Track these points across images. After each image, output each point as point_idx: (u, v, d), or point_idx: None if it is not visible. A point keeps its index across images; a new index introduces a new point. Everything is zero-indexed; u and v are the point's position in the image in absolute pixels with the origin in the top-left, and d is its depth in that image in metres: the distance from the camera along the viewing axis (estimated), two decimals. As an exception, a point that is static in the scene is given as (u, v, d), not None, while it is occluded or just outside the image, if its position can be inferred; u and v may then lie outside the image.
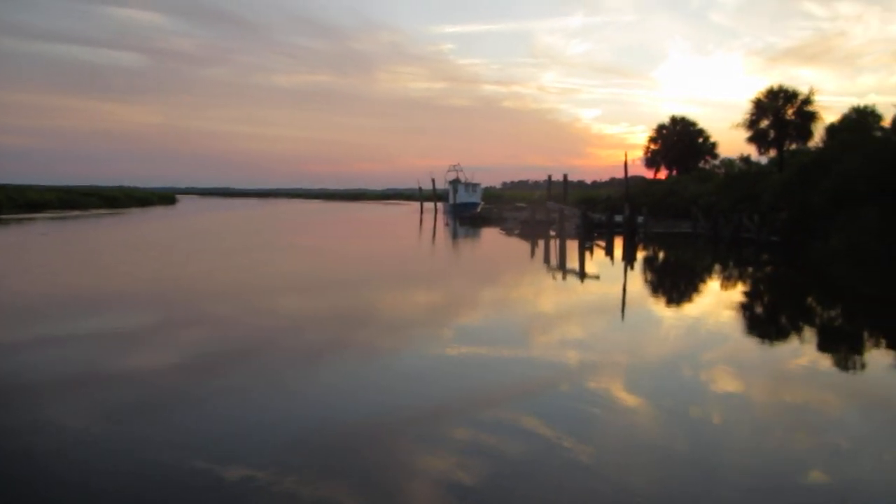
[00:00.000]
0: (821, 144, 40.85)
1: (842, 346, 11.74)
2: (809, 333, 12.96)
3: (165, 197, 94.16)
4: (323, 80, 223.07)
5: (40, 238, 32.54)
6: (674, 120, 63.47)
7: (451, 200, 66.24)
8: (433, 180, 74.86)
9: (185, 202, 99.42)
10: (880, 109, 44.16)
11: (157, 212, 66.54)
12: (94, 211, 60.72)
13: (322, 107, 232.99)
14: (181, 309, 14.08)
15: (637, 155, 69.61)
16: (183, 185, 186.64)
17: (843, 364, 10.29)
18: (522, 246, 32.57)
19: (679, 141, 62.00)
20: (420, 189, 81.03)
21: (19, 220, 44.45)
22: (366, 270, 21.92)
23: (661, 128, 63.89)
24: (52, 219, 47.84)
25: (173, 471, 5.72)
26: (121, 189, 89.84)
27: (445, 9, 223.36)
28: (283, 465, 5.82)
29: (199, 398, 7.85)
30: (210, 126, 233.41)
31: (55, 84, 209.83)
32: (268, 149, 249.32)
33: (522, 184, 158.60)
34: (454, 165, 71.98)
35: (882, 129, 41.42)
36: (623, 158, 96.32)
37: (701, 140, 62.28)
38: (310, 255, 26.47)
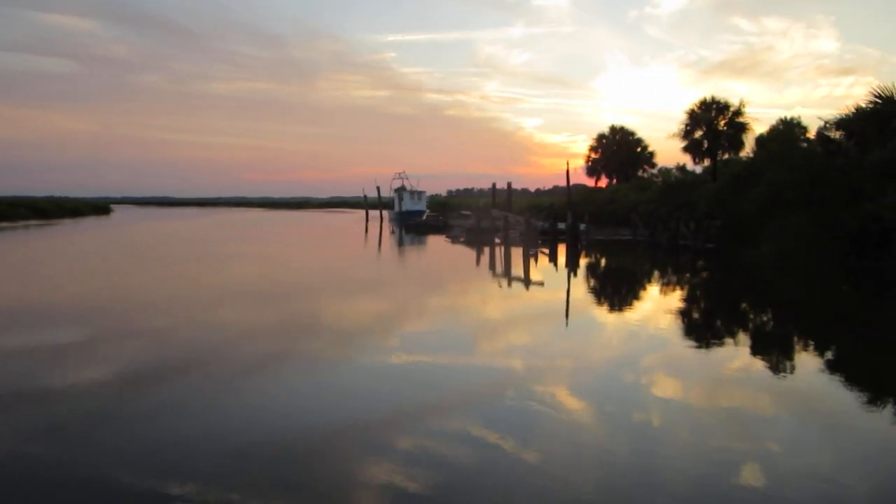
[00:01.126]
0: (751, 154, 42.65)
1: (772, 349, 12.27)
2: (742, 338, 13.49)
3: (99, 207, 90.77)
4: (263, 87, 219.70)
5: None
6: (613, 129, 65.22)
7: (396, 208, 66.18)
8: (378, 188, 74.58)
9: (120, 212, 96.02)
10: (805, 121, 46.52)
11: (90, 222, 64.00)
12: (23, 222, 57.97)
13: (263, 115, 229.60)
14: (114, 322, 13.58)
15: (579, 164, 71.15)
16: (118, 194, 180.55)
17: (774, 367, 10.75)
18: (468, 253, 32.80)
19: (619, 150, 63.72)
20: (365, 197, 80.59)
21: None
22: (309, 280, 21.65)
23: (601, 137, 65.56)
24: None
25: (116, 488, 5.51)
26: (51, 199, 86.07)
27: (387, 18, 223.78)
28: (227, 480, 5.68)
29: (136, 413, 7.59)
30: (146, 134, 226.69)
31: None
32: (207, 157, 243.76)
33: (468, 192, 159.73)
34: (399, 173, 72.08)
35: (807, 140, 43.60)
36: (565, 167, 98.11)
37: (639, 149, 64.15)
38: (251, 265, 25.95)
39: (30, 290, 17.98)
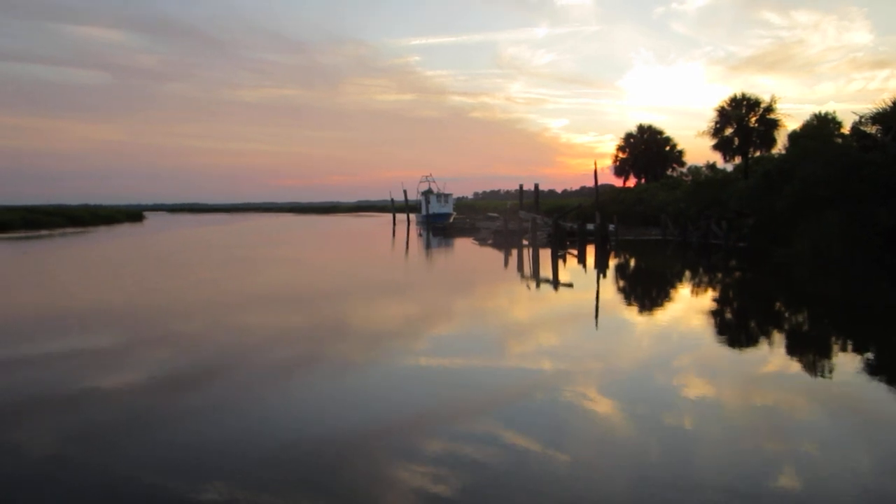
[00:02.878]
0: (784, 151, 41.83)
1: (809, 350, 12.01)
2: (778, 338, 13.23)
3: (132, 214, 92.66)
4: (289, 93, 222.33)
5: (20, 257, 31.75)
6: (641, 128, 64.60)
7: (423, 211, 66.35)
8: (405, 192, 74.98)
9: (152, 219, 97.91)
10: (840, 116, 45.41)
11: (124, 229, 65.39)
12: (60, 230, 59.57)
13: (290, 121, 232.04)
14: (149, 326, 13.83)
15: (606, 163, 70.63)
16: (150, 201, 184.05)
17: (812, 368, 10.52)
18: (496, 255, 32.72)
19: (647, 149, 63.09)
20: (392, 201, 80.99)
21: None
22: (337, 283, 21.81)
23: (628, 136, 64.99)
24: (16, 239, 46.72)
25: (146, 491, 5.62)
26: (86, 207, 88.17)
27: (410, 21, 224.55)
28: (260, 482, 5.75)
29: (167, 416, 7.73)
30: (176, 142, 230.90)
31: (16, 103, 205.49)
32: (236, 163, 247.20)
33: (494, 193, 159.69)
34: (426, 176, 72.34)
35: (842, 135, 42.60)
36: (592, 167, 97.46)
37: (668, 148, 63.43)
38: (282, 269, 26.24)
39: (70, 295, 18.43)
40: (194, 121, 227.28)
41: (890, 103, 27.37)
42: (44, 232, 55.81)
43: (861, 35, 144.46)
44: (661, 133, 63.82)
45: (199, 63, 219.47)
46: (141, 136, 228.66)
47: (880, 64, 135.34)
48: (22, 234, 52.42)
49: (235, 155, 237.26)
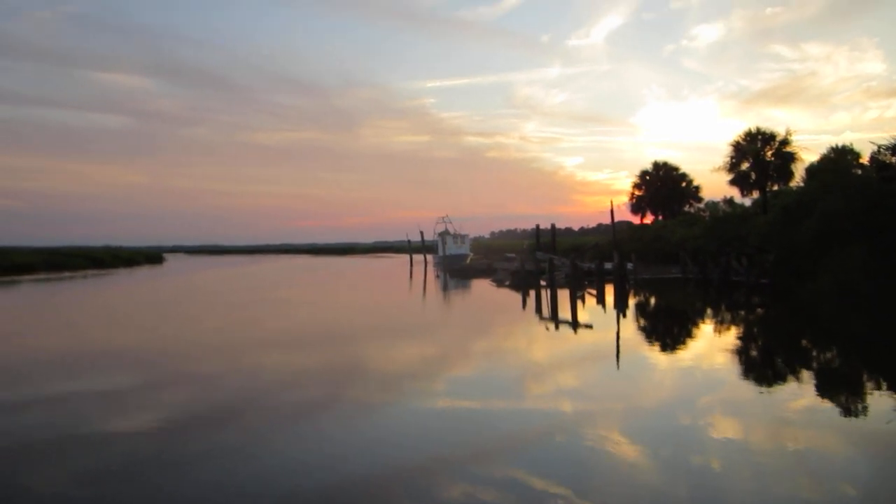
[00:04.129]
0: (802, 184, 41.58)
1: (838, 389, 11.69)
2: (805, 376, 12.90)
3: (152, 256, 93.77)
4: (306, 136, 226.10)
5: (49, 298, 32.13)
6: (656, 165, 64.61)
7: (440, 252, 66.43)
8: (421, 232, 75.49)
9: (172, 261, 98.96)
10: (857, 146, 45.22)
11: (144, 272, 66.13)
12: (83, 272, 60.58)
13: (307, 163, 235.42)
14: (167, 367, 13.83)
15: (622, 200, 70.57)
16: (170, 243, 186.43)
17: (842, 408, 10.22)
18: (513, 297, 32.54)
19: (663, 186, 62.97)
20: (409, 241, 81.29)
21: (3, 283, 43.97)
22: (360, 324, 21.75)
23: (644, 174, 64.97)
24: (37, 280, 47.41)
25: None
26: (107, 249, 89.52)
27: (425, 64, 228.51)
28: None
29: (185, 456, 7.65)
30: (195, 184, 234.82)
31: (42, 146, 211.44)
32: (255, 205, 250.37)
33: (511, 233, 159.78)
34: (443, 217, 72.58)
35: (861, 166, 42.32)
36: (609, 205, 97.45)
37: (684, 184, 63.28)
38: (301, 310, 26.27)
39: (91, 335, 18.54)
40: (213, 164, 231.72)
41: (909, 134, 27.14)
42: (66, 273, 56.72)
43: (874, 65, 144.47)
44: (676, 169, 63.80)
45: (218, 107, 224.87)
46: (162, 179, 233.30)
47: (895, 92, 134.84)
48: (43, 275, 53.25)
49: (254, 197, 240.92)
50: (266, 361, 14.62)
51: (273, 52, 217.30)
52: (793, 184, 41.50)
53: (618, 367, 13.94)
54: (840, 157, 45.75)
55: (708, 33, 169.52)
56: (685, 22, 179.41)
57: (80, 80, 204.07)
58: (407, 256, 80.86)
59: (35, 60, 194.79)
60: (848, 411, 9.89)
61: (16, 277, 50.89)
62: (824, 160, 46.18)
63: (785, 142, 40.96)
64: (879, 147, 29.54)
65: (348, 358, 15.16)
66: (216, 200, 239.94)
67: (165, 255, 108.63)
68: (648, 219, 64.94)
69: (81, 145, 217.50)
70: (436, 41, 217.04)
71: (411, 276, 52.89)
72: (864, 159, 41.32)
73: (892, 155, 28.53)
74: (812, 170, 44.61)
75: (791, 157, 40.85)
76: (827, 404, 10.34)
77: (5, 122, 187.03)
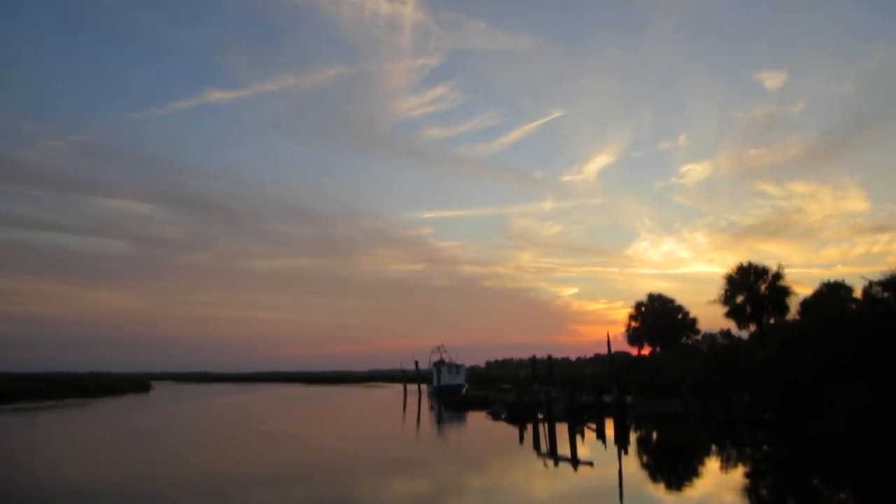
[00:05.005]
0: (798, 318, 41.91)
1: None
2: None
3: (138, 383, 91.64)
4: (304, 262, 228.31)
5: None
6: (651, 297, 65.28)
7: (434, 382, 65.29)
8: (416, 362, 74.54)
9: (159, 388, 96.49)
10: (849, 280, 46.13)
11: (129, 401, 64.39)
12: (64, 400, 58.99)
13: (303, 289, 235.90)
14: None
15: (619, 331, 70.48)
16: (158, 369, 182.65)
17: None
18: (510, 431, 31.65)
19: (659, 317, 63.24)
20: (403, 371, 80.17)
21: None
22: (350, 460, 20.99)
23: (639, 305, 65.46)
24: (17, 410, 46.03)
25: None
26: (92, 377, 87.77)
27: (423, 196, 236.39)
28: None
29: None
30: (191, 310, 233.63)
31: (40, 270, 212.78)
32: (247, 332, 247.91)
33: (507, 362, 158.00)
34: (438, 346, 71.94)
35: (855, 300, 42.87)
36: (605, 334, 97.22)
37: (680, 316, 63.60)
38: (294, 445, 25.39)
39: (61, 472, 17.73)
40: (210, 290, 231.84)
41: (897, 269, 27.70)
42: (48, 402, 55.27)
43: (857, 202, 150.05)
44: (672, 301, 64.40)
45: (217, 234, 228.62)
46: (158, 305, 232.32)
47: (879, 229, 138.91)
48: (23, 404, 51.94)
49: (247, 323, 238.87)
50: (255, 498, 13.95)
51: (275, 182, 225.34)
52: (788, 317, 41.82)
53: (622, 509, 13.32)
54: (833, 292, 46.51)
55: (696, 172, 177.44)
56: (673, 161, 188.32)
57: (83, 205, 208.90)
58: (401, 386, 79.35)
59: (39, 187, 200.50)
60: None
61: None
62: (818, 294, 46.92)
63: (778, 276, 41.72)
64: (871, 282, 30.10)
65: (341, 494, 14.49)
66: (209, 326, 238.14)
67: (153, 383, 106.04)
68: (646, 350, 64.64)
69: (80, 269, 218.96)
70: (434, 175, 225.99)
71: (405, 408, 51.62)
72: (858, 293, 42.04)
73: (884, 290, 28.99)
74: (807, 303, 45.19)
75: (785, 291, 41.48)
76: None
77: (6, 246, 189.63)
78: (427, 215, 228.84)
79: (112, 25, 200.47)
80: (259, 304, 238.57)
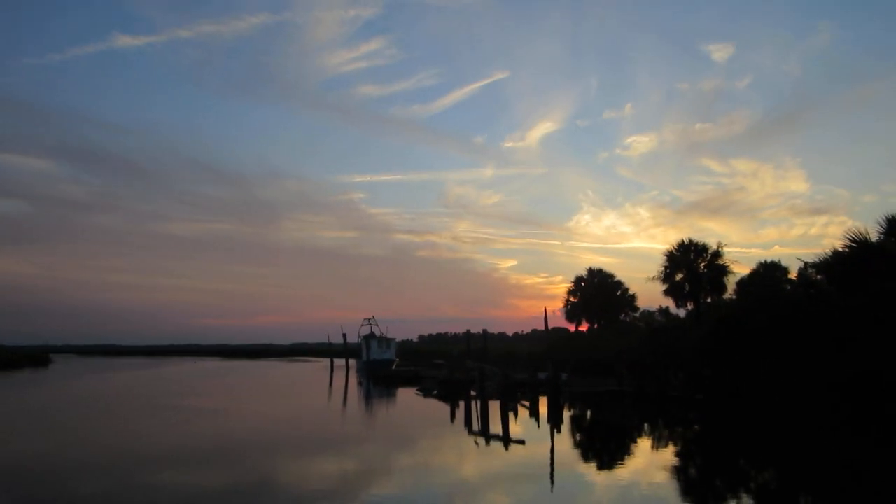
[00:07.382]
0: (734, 297, 43.94)
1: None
2: (745, 498, 13.18)
3: (37, 358, 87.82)
4: (224, 227, 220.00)
5: None
6: (591, 272, 66.85)
7: (363, 357, 65.43)
8: (344, 335, 74.03)
9: (60, 363, 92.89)
10: (785, 261, 48.70)
11: (26, 377, 61.86)
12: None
13: (222, 256, 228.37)
14: (45, 491, 12.82)
15: (557, 306, 72.14)
16: (59, 341, 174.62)
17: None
18: (441, 409, 32.17)
19: (598, 293, 64.91)
20: (330, 344, 79.86)
21: None
22: (271, 437, 20.92)
23: (579, 280, 66.98)
24: None
25: None
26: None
27: (354, 159, 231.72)
28: None
29: None
30: (96, 276, 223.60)
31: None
32: (159, 301, 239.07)
33: (441, 336, 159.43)
34: (368, 319, 71.84)
35: (790, 281, 45.28)
36: (543, 309, 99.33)
37: (619, 292, 65.51)
38: (211, 420, 25.08)
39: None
40: (117, 255, 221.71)
41: (831, 252, 29.37)
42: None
43: (797, 183, 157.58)
44: (611, 277, 66.11)
45: (127, 194, 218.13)
46: (59, 271, 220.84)
47: (818, 211, 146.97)
48: None
49: (159, 291, 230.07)
50: (162, 481, 13.77)
51: (191, 140, 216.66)
52: (725, 296, 43.74)
53: (552, 487, 13.85)
54: (769, 272, 48.97)
55: (641, 144, 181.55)
56: (618, 132, 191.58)
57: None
58: (327, 361, 79.00)
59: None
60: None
61: None
62: (755, 274, 49.30)
63: (717, 254, 43.41)
64: (806, 264, 31.89)
65: (258, 476, 14.48)
66: (117, 294, 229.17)
67: (53, 356, 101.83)
68: (584, 326, 66.43)
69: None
70: (367, 136, 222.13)
71: (331, 384, 51.63)
72: (793, 275, 44.40)
73: (818, 273, 30.75)
74: (743, 283, 47.40)
75: (723, 270, 43.18)
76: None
77: None
78: (358, 179, 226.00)
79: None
80: (172, 271, 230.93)
